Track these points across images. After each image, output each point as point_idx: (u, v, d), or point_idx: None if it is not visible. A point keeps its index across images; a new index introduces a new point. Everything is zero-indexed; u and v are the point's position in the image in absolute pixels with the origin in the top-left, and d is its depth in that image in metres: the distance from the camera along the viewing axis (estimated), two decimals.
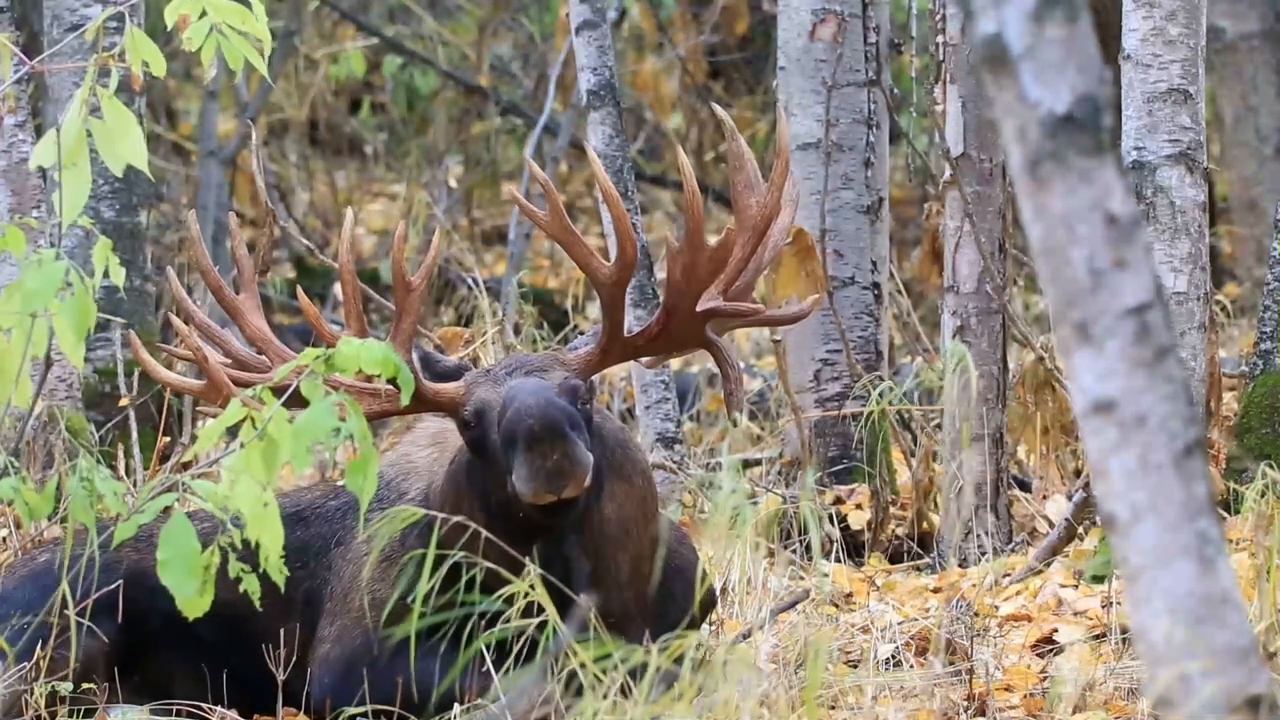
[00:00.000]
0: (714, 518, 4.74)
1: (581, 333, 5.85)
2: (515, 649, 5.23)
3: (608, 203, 5.47)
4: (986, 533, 6.92)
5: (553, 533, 5.37)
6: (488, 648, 5.28)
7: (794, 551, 6.83)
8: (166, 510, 4.77)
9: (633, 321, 7.33)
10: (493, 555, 5.25)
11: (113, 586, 5.52)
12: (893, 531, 7.24)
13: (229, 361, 5.55)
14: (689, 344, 5.65)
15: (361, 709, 5.49)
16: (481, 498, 5.42)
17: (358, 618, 5.56)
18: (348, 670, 5.54)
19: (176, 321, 5.50)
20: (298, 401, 4.55)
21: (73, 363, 4.84)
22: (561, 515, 5.33)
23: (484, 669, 5.32)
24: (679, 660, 4.66)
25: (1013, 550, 6.90)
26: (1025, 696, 5.52)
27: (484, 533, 5.28)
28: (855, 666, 5.72)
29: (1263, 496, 5.60)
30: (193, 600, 4.59)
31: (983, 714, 5.34)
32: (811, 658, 4.73)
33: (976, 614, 5.75)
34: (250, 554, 4.68)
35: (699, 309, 5.52)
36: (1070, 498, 7.06)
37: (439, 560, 5.23)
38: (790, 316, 5.91)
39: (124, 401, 7.27)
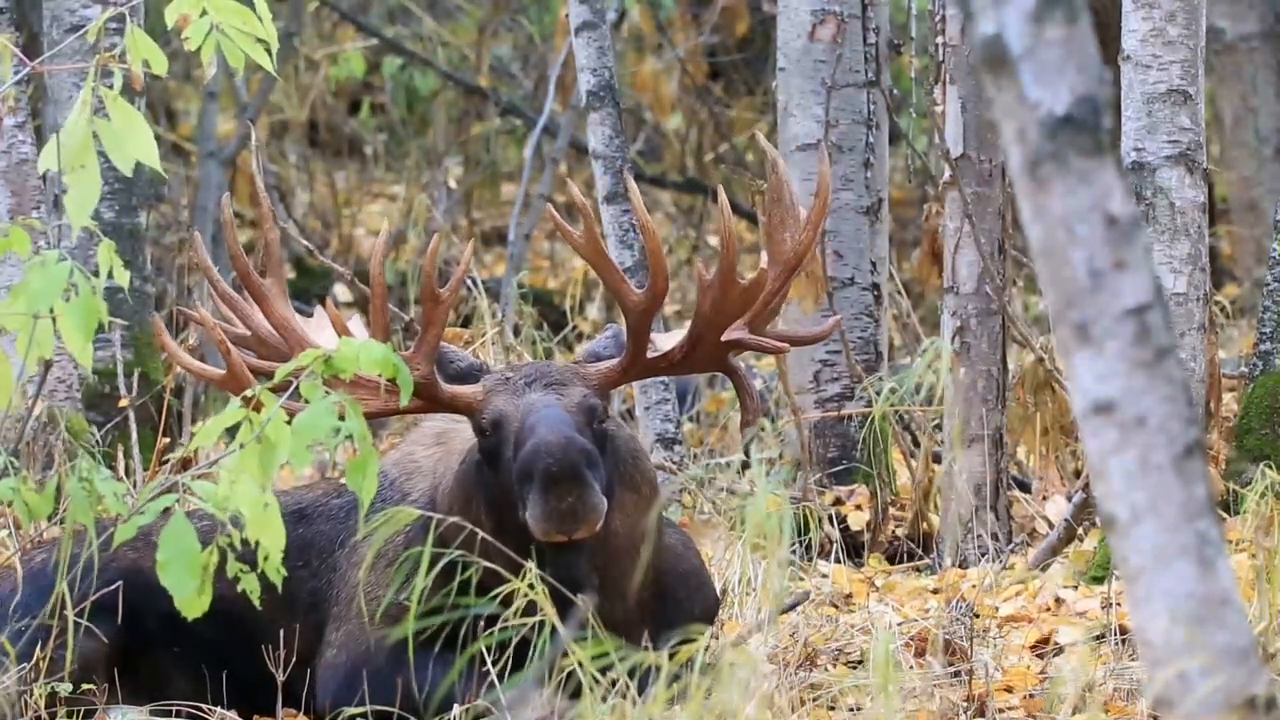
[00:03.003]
0: (725, 518, 4.73)
1: (582, 334, 5.84)
2: (519, 653, 5.22)
3: (644, 235, 5.47)
4: (986, 534, 6.93)
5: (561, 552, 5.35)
6: (492, 650, 5.27)
7: (794, 552, 6.83)
8: (166, 511, 4.77)
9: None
10: (499, 561, 5.25)
11: (112, 588, 5.51)
12: (892, 532, 7.24)
13: (249, 335, 5.54)
14: (710, 369, 5.66)
15: (362, 709, 5.48)
16: (489, 504, 5.41)
17: (363, 622, 5.54)
18: (354, 675, 5.52)
19: (200, 310, 5.48)
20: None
21: (81, 363, 4.84)
22: (569, 552, 5.32)
23: (486, 672, 5.31)
24: (680, 662, 4.65)
25: (1012, 551, 6.90)
26: (1025, 697, 5.52)
27: (486, 539, 5.27)
28: (855, 667, 5.72)
29: (1262, 498, 5.60)
30: (192, 599, 4.59)
31: (982, 715, 5.34)
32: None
33: (976, 615, 5.75)
34: (250, 553, 4.67)
35: (724, 339, 5.53)
36: (1070, 498, 7.06)
37: (441, 561, 5.23)
38: (811, 337, 5.92)
39: (124, 402, 7.27)
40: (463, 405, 5.43)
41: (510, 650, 5.24)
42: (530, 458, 5.22)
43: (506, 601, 5.09)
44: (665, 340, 5.61)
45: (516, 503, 5.28)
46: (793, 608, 5.86)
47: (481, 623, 5.28)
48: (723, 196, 5.47)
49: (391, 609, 5.45)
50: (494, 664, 5.25)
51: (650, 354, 5.53)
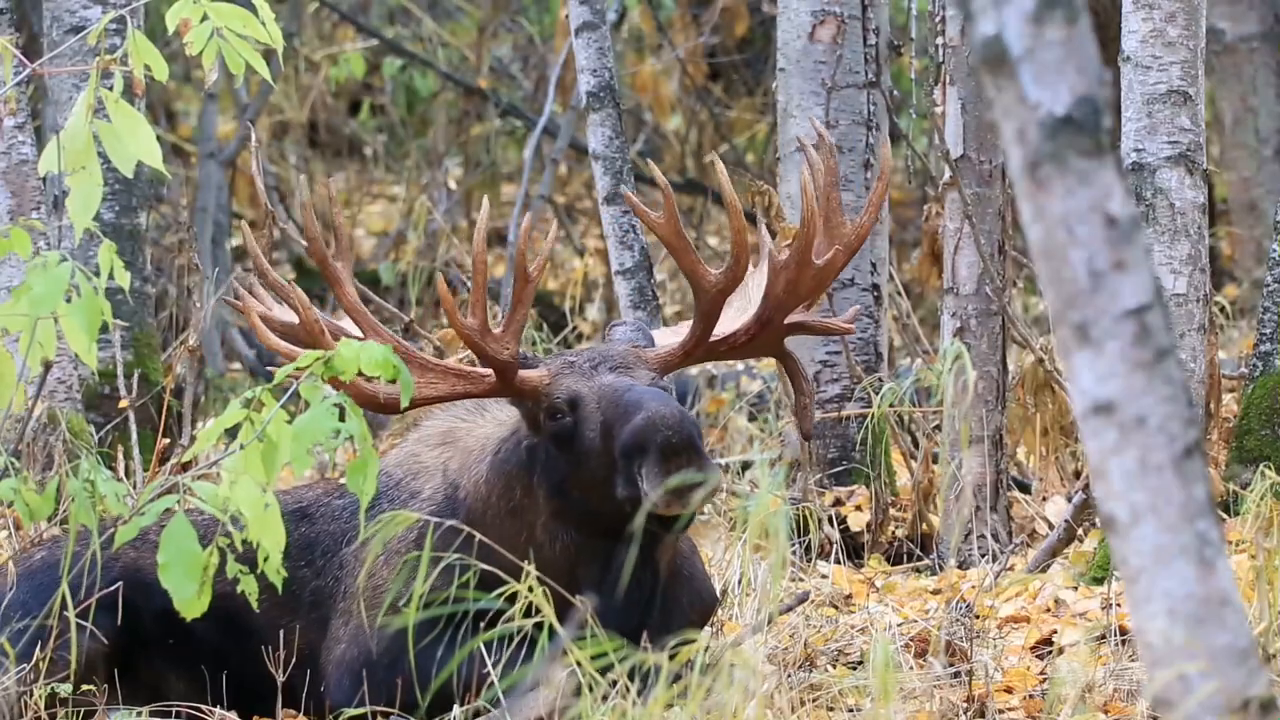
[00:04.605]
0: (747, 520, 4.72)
1: (582, 335, 5.83)
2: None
3: (729, 214, 5.47)
4: (986, 534, 6.93)
5: (652, 535, 5.33)
6: (511, 644, 5.25)
7: (793, 552, 6.83)
8: (166, 512, 4.76)
9: (631, 321, 7.33)
10: (558, 550, 5.25)
11: (112, 588, 5.49)
12: (892, 533, 7.24)
13: (297, 324, 5.54)
14: (764, 353, 5.66)
15: (361, 710, 5.46)
16: (555, 488, 5.39)
17: (376, 617, 5.50)
18: (366, 671, 5.49)
19: (298, 291, 5.46)
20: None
21: (85, 364, 4.85)
22: (676, 525, 5.32)
23: (489, 670, 5.30)
24: (680, 662, 4.65)
25: (1012, 552, 6.90)
26: (1025, 698, 5.52)
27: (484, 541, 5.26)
28: (855, 668, 5.72)
29: (1262, 499, 5.60)
30: (191, 601, 4.59)
31: (982, 715, 5.34)
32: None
33: (976, 615, 5.75)
34: (250, 552, 4.67)
35: (787, 322, 5.53)
36: (1070, 499, 7.07)
37: (440, 563, 5.22)
38: (849, 318, 5.98)
39: (123, 403, 7.27)
40: (529, 389, 5.42)
41: (534, 644, 5.22)
42: (647, 430, 5.20)
43: (502, 594, 5.06)
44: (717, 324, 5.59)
45: (611, 480, 5.26)
46: (789, 609, 5.86)
47: (489, 620, 5.26)
48: (805, 175, 5.50)
49: (406, 605, 5.41)
50: (521, 658, 5.23)
51: (713, 337, 5.53)
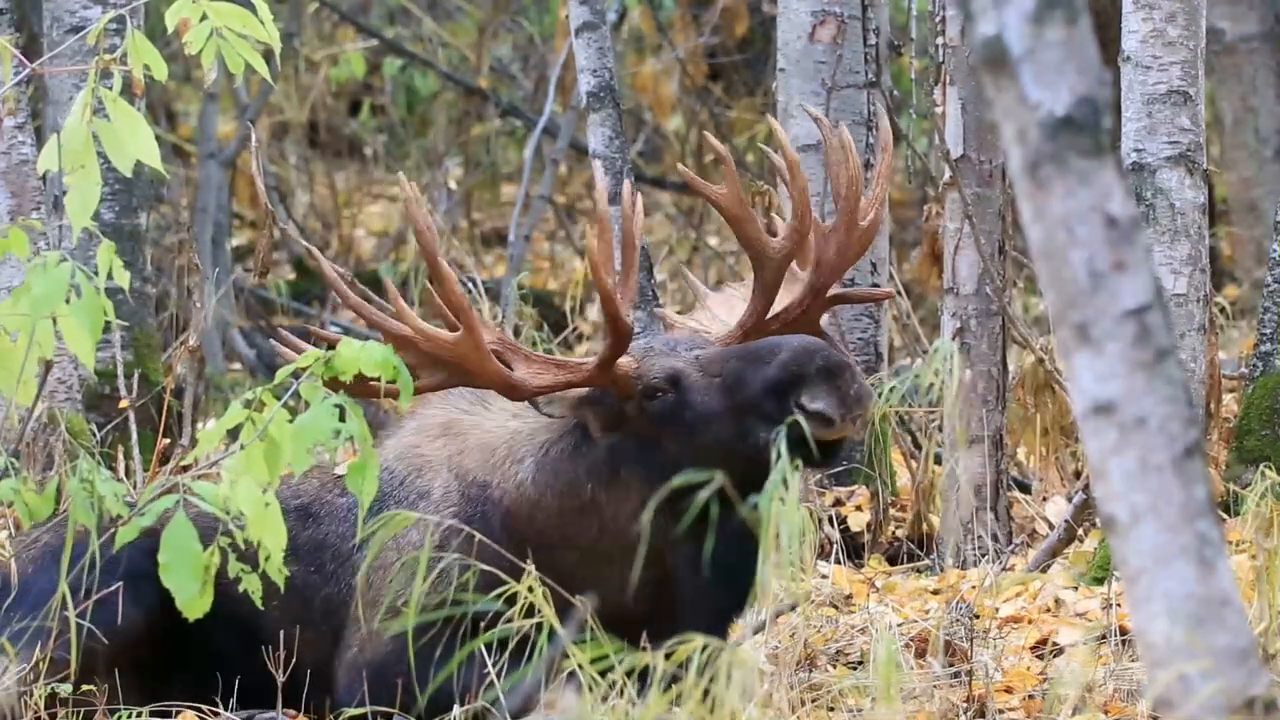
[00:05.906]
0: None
1: (582, 335, 5.80)
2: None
3: (790, 171, 5.46)
4: (986, 535, 6.93)
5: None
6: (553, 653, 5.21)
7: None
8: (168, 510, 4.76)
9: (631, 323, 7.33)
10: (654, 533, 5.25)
11: (113, 588, 5.44)
12: (892, 533, 7.24)
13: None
14: (805, 332, 5.64)
15: (362, 710, 5.42)
16: (653, 473, 5.30)
17: (401, 623, 5.40)
18: (380, 677, 5.41)
19: (448, 265, 5.45)
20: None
21: (85, 365, 4.84)
22: (834, 457, 5.33)
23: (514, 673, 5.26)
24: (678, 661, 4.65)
25: (1012, 552, 6.90)
26: (1025, 698, 5.52)
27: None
28: (855, 668, 5.72)
29: (1262, 499, 5.60)
30: (194, 601, 4.59)
31: (982, 716, 5.34)
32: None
33: (976, 616, 5.75)
34: (254, 551, 4.66)
35: (829, 295, 5.54)
36: (1070, 499, 7.07)
37: (437, 566, 5.20)
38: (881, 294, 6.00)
39: (124, 403, 7.27)
40: (620, 375, 5.39)
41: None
42: (800, 358, 5.20)
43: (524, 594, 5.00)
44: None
45: (744, 432, 5.23)
46: (789, 610, 5.86)
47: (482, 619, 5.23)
48: (846, 135, 5.50)
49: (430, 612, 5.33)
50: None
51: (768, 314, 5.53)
